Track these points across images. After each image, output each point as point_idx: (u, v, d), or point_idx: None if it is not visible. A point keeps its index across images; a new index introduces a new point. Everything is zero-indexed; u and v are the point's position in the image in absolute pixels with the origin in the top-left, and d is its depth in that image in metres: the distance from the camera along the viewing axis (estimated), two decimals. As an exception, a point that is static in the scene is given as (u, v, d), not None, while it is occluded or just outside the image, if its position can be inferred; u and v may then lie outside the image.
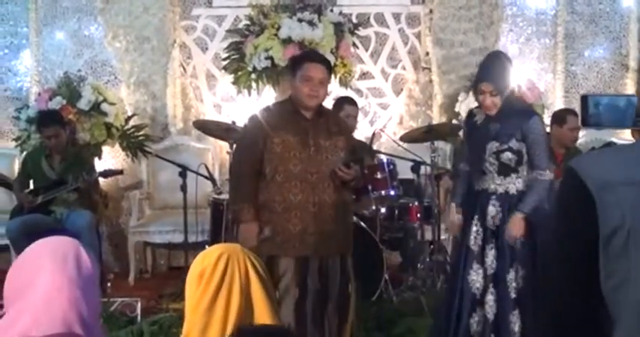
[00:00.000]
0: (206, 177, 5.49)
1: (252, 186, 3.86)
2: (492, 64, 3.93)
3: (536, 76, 6.63)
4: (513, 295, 3.83)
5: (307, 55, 4.15)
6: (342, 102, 5.59)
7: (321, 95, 3.90)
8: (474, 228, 3.91)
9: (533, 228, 3.86)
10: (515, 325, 3.83)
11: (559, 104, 6.53)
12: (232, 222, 4.06)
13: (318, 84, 3.83)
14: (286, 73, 5.10)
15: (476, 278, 3.88)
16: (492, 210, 3.90)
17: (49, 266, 1.72)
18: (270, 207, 3.83)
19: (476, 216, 3.92)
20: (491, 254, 3.87)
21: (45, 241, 1.83)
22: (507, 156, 3.86)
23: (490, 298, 3.86)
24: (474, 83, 4.03)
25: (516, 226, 3.81)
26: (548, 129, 5.88)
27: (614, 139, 6.36)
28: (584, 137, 6.49)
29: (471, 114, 4.11)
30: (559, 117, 5.67)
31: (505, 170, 3.88)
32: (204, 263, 1.97)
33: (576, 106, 6.58)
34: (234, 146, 4.14)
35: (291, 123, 3.86)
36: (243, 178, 3.90)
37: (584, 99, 6.44)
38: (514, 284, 3.83)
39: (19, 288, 1.71)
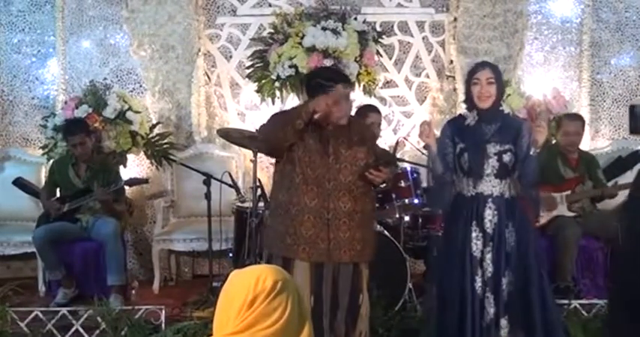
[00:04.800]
0: (230, 185, 5.51)
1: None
2: (486, 62, 4.08)
3: (562, 85, 6.58)
4: (505, 299, 3.84)
5: (338, 76, 4.07)
6: (366, 110, 5.60)
7: (349, 111, 3.98)
8: (474, 234, 3.89)
9: (528, 238, 3.89)
10: (505, 331, 3.83)
11: (584, 112, 6.47)
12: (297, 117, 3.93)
13: (345, 103, 3.91)
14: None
15: (480, 284, 3.87)
16: (489, 213, 3.89)
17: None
18: (287, 208, 3.87)
19: (474, 222, 3.90)
20: (488, 258, 3.87)
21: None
22: (508, 156, 3.89)
23: (488, 302, 3.85)
24: (466, 79, 4.01)
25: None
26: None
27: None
28: (611, 145, 6.44)
29: (457, 118, 4.10)
30: (558, 124, 5.75)
31: (503, 172, 3.89)
32: (258, 289, 1.87)
33: (602, 115, 6.55)
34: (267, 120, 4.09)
35: (315, 130, 3.89)
36: (274, 123, 3.93)
37: (632, 109, 6.43)
38: (507, 288, 3.84)
39: None
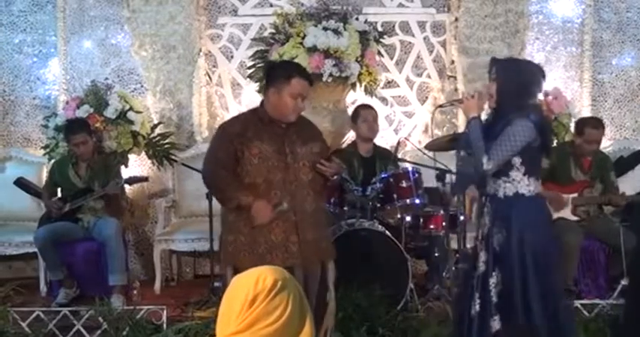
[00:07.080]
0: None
1: (237, 183, 3.84)
2: (505, 59, 3.99)
3: (563, 85, 6.58)
4: (494, 299, 3.76)
5: (299, 71, 3.97)
6: (360, 108, 5.81)
7: (302, 109, 3.97)
8: (475, 233, 3.94)
9: (515, 234, 3.81)
10: (496, 331, 3.79)
11: (586, 113, 6.48)
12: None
13: (303, 100, 3.90)
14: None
15: (476, 281, 3.85)
16: (485, 210, 3.87)
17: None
18: (253, 217, 3.80)
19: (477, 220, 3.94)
20: (480, 257, 3.84)
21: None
22: None
23: (474, 300, 3.82)
24: None
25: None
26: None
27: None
28: (612, 145, 6.44)
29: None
30: (578, 127, 5.67)
31: (497, 172, 3.81)
32: (258, 288, 1.87)
33: (603, 115, 6.54)
34: (204, 159, 4.07)
35: (266, 133, 3.87)
36: (224, 180, 3.88)
37: None
38: (495, 288, 3.78)
39: None
